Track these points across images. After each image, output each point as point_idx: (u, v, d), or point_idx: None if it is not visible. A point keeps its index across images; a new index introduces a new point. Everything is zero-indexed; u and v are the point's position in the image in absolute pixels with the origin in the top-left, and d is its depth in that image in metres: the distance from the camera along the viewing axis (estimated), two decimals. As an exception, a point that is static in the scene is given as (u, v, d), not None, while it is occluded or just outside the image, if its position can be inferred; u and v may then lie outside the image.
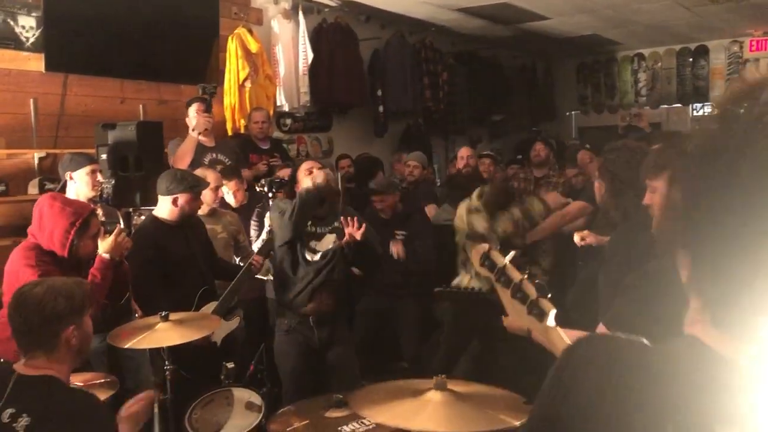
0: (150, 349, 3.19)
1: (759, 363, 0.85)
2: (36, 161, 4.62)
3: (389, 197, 4.81)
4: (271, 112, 6.19)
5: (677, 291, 1.89)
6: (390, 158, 7.50)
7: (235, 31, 5.92)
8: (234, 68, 5.87)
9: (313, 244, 3.70)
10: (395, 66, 7.65)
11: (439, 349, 4.85)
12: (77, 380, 2.59)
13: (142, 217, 4.14)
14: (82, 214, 3.06)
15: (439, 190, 6.76)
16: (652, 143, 2.79)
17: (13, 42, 4.57)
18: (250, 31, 6.03)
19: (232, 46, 5.87)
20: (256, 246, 4.36)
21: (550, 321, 1.51)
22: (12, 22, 4.56)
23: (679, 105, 10.24)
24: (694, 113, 10.29)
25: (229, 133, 5.91)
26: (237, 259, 4.36)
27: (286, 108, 6.52)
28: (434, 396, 2.20)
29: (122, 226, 4.05)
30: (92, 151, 4.40)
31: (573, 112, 11.25)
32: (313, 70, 6.63)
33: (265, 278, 4.29)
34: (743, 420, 0.84)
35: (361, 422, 2.60)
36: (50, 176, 4.42)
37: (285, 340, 3.69)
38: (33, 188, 4.45)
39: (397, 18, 7.51)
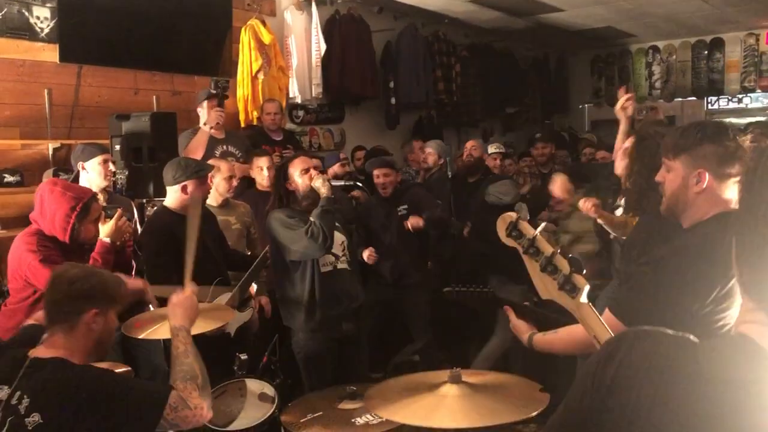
0: (164, 340, 3.19)
1: None
2: (50, 152, 4.63)
3: (391, 173, 4.84)
4: (284, 104, 6.19)
5: (682, 278, 1.87)
6: (401, 151, 7.47)
7: (248, 23, 5.91)
8: (247, 60, 5.86)
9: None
10: (408, 58, 7.61)
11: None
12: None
13: (155, 208, 4.14)
14: (82, 199, 3.07)
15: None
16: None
17: (28, 33, 4.58)
18: (263, 23, 6.01)
19: (245, 38, 5.86)
20: None
21: (584, 298, 1.47)
22: (27, 13, 4.57)
23: (693, 98, 10.13)
24: (709, 107, 10.19)
25: (242, 124, 5.92)
26: (248, 252, 4.35)
27: (298, 99, 6.51)
28: (449, 390, 2.19)
29: (136, 216, 4.07)
30: (106, 141, 4.42)
31: (586, 105, 11.16)
32: (326, 61, 6.61)
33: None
34: None
35: (375, 414, 2.59)
36: (65, 167, 4.43)
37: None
38: (48, 179, 4.47)
39: (410, 9, 7.48)
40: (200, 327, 2.82)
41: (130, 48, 5.02)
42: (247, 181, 5.04)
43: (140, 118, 4.40)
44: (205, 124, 4.84)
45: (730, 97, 10.00)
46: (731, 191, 1.86)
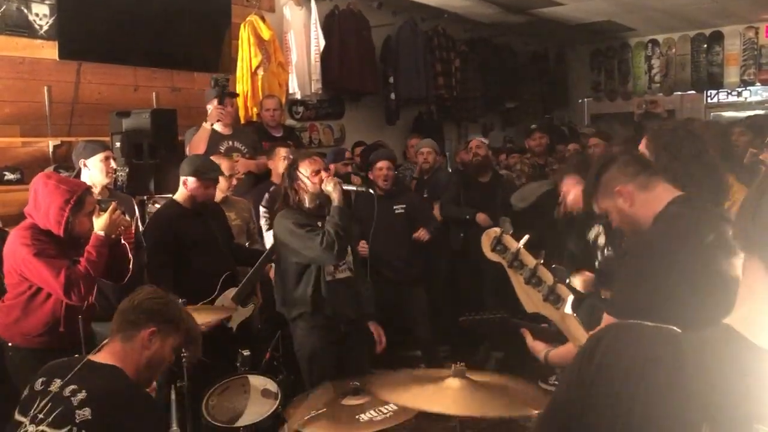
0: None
1: None
2: (51, 149, 4.63)
3: (393, 166, 4.92)
4: (284, 100, 6.18)
5: (658, 263, 1.87)
6: (401, 146, 7.46)
7: (248, 19, 5.90)
8: (246, 56, 5.86)
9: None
10: (407, 53, 7.59)
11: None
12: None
13: (157, 205, 4.16)
14: (76, 192, 3.06)
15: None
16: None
17: (27, 30, 4.57)
18: (263, 18, 6.00)
19: (244, 34, 5.85)
20: (268, 237, 4.36)
21: (568, 308, 1.49)
22: (26, 10, 4.56)
23: (693, 92, 10.13)
24: (709, 100, 10.19)
25: (242, 120, 5.91)
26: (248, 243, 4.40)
27: (298, 95, 6.49)
28: (453, 383, 2.20)
29: (137, 213, 4.08)
30: (107, 138, 4.42)
31: (586, 99, 11.16)
32: (325, 57, 6.60)
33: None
34: None
35: (379, 410, 2.59)
36: (65, 164, 4.43)
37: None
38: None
39: (410, 5, 7.46)
40: (203, 318, 2.86)
41: (130, 45, 5.01)
42: (254, 176, 5.09)
43: (140, 115, 4.41)
44: (206, 120, 4.86)
45: (729, 91, 10.00)
46: (655, 180, 1.89)
